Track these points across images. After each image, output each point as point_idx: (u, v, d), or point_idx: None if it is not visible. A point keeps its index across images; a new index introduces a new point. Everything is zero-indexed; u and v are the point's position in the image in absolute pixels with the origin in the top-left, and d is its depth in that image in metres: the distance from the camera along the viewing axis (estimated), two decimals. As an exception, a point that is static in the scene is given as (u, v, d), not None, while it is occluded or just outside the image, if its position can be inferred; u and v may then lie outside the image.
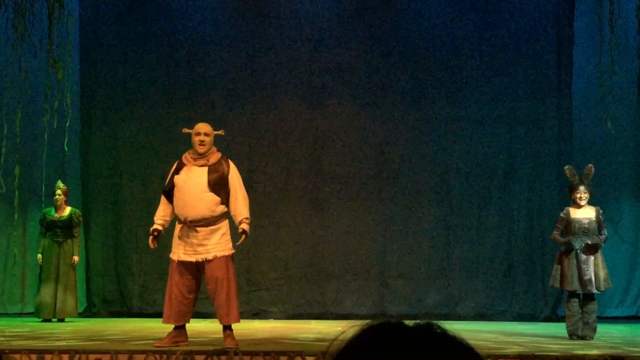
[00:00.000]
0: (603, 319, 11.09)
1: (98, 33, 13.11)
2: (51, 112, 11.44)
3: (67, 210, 11.76)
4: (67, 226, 11.68)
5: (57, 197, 11.69)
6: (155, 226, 8.06)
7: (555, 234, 9.38)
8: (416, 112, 12.87)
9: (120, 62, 13.05)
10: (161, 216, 8.10)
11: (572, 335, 9.08)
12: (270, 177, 12.75)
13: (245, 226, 7.93)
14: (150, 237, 8.04)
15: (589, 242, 9.08)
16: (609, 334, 9.77)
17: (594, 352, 7.51)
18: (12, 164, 11.70)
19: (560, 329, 9.74)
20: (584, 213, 9.25)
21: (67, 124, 11.67)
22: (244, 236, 7.93)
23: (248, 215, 8.01)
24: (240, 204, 7.99)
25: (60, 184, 11.80)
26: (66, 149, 11.94)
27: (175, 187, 7.95)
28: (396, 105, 12.88)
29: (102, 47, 13.09)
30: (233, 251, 8.02)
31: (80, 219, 11.90)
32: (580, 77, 12.75)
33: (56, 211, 11.72)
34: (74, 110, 12.08)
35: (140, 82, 13.03)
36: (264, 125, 12.92)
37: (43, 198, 12.05)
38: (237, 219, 7.99)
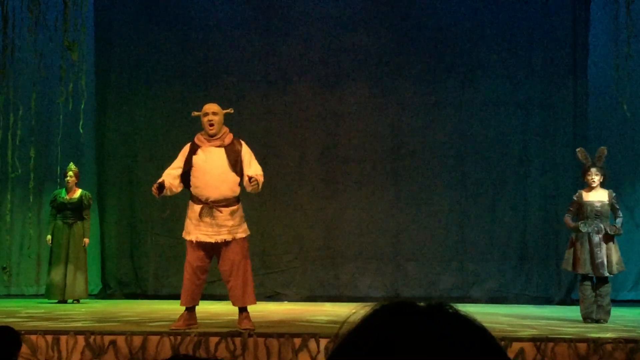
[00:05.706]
0: (617, 302, 11.07)
1: (113, 15, 13.12)
2: (66, 94, 11.45)
3: (78, 192, 11.81)
4: (77, 208, 11.73)
5: (68, 179, 11.75)
6: (161, 180, 7.87)
7: (567, 217, 9.34)
8: (431, 95, 12.84)
9: (135, 44, 13.06)
10: (169, 181, 7.90)
11: (586, 318, 9.06)
12: (284, 160, 12.74)
13: (259, 177, 7.80)
14: (156, 185, 7.85)
15: (608, 231, 9.04)
16: (623, 317, 9.75)
17: (609, 335, 7.50)
18: (28, 146, 11.73)
19: (574, 312, 9.73)
20: (597, 196, 9.21)
21: (82, 106, 11.69)
22: (255, 182, 7.72)
23: (262, 174, 7.89)
24: (254, 169, 7.88)
25: (72, 165, 11.84)
26: (81, 131, 11.97)
27: (194, 168, 7.92)
28: (411, 88, 12.85)
29: (117, 30, 13.10)
30: (249, 233, 8.06)
31: (91, 201, 11.94)
32: (596, 60, 12.67)
33: (67, 193, 11.78)
34: (89, 92, 12.09)
35: (155, 64, 13.04)
36: (278, 108, 12.92)
37: (58, 180, 12.10)
38: (251, 175, 7.80)
